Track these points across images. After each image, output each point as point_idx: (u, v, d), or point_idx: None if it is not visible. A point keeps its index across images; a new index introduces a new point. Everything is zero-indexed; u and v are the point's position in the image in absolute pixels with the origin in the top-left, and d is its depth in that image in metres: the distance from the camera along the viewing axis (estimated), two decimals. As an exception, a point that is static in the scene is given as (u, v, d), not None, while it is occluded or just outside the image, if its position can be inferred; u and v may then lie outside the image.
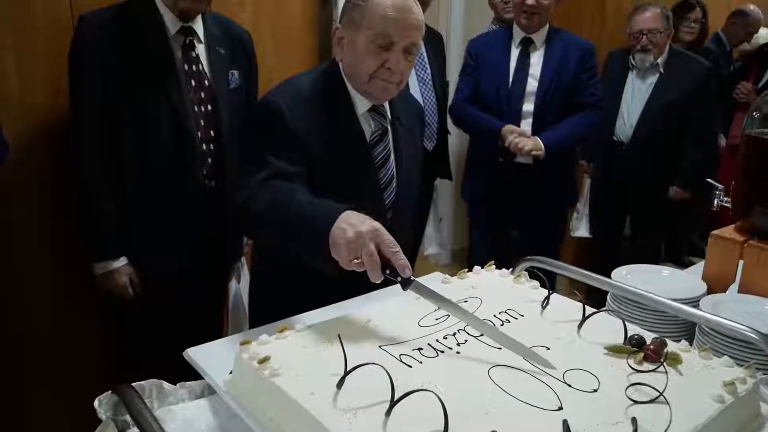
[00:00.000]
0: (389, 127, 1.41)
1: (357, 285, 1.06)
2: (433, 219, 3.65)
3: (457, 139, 3.72)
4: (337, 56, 1.36)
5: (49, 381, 1.93)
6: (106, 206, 1.72)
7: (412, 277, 1.00)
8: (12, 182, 1.74)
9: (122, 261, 1.77)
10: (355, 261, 0.98)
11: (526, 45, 2.44)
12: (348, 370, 0.79)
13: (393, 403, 0.74)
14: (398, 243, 1.37)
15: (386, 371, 0.77)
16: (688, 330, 1.21)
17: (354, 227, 0.98)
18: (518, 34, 2.45)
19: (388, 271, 0.99)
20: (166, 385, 0.94)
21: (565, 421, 0.68)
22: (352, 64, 1.32)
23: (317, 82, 1.36)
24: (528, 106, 2.40)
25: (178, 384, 0.96)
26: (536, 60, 2.41)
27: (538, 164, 2.39)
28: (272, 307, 1.20)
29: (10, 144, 1.59)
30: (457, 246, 4.03)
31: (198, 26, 1.78)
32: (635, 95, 2.94)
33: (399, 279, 0.99)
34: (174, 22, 1.72)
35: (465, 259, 3.63)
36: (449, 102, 2.96)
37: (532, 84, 2.39)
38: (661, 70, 2.91)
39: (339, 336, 0.86)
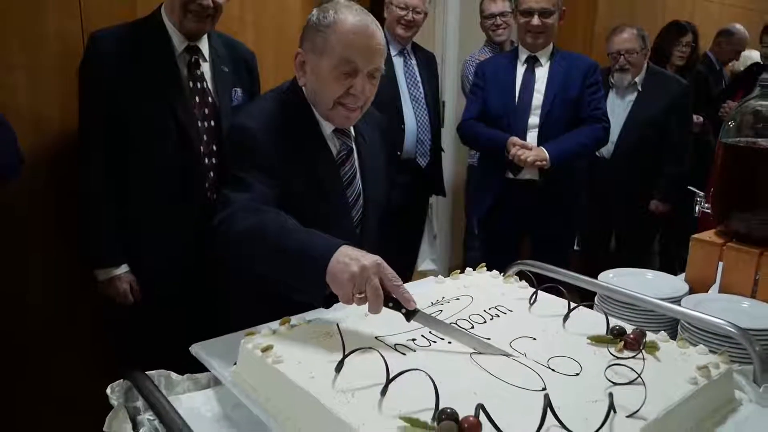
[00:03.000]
0: (354, 146, 1.43)
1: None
2: (428, 235, 3.72)
3: (454, 160, 3.82)
4: (299, 81, 1.35)
5: (46, 382, 1.98)
6: (110, 215, 1.78)
7: (417, 309, 1.00)
8: (21, 192, 1.80)
9: (124, 268, 1.82)
10: (358, 295, 0.97)
11: (532, 62, 2.52)
12: (346, 353, 0.85)
13: (388, 382, 0.79)
14: None
15: (381, 355, 0.83)
16: (671, 329, 1.27)
17: (357, 261, 0.96)
18: (523, 53, 2.54)
19: (390, 304, 0.99)
20: (173, 375, 0.99)
21: (546, 395, 0.73)
22: (316, 89, 1.32)
23: (282, 105, 1.35)
24: (534, 119, 2.46)
25: (185, 375, 1.01)
26: (541, 75, 2.49)
27: (544, 180, 2.45)
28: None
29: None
30: (453, 262, 4.09)
31: (203, 45, 1.86)
32: (615, 113, 3.04)
33: (403, 311, 1.00)
34: (180, 41, 1.80)
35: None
36: (444, 120, 3.05)
37: (537, 98, 2.47)
38: (639, 89, 3.04)
39: (338, 325, 0.92)
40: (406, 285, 1.22)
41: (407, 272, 3.06)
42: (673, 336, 1.23)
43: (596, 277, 1.41)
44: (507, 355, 0.93)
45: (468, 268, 1.30)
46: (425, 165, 2.80)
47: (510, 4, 3.09)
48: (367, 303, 0.97)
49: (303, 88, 1.36)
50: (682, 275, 1.57)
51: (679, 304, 1.24)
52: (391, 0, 2.61)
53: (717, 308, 1.22)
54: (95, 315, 2.01)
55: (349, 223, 1.40)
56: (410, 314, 1.00)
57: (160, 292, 1.85)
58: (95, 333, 2.06)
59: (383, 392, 0.79)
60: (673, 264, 3.88)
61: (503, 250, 2.61)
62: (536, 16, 2.42)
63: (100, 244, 1.81)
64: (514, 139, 2.41)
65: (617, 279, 1.40)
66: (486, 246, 2.77)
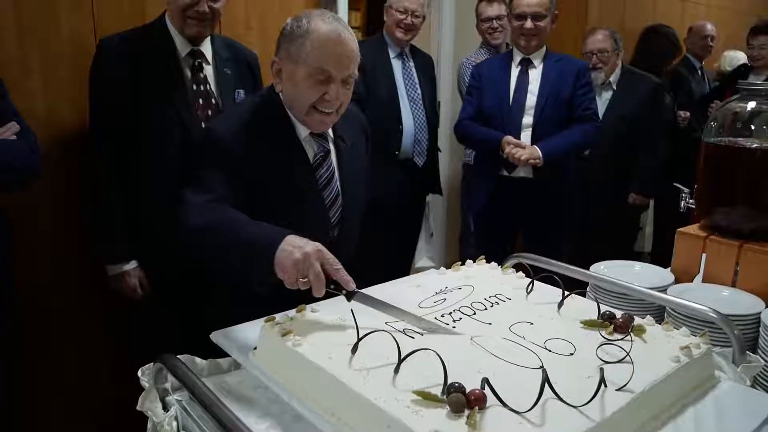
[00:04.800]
0: (332, 147, 1.47)
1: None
2: (424, 233, 3.80)
3: (449, 159, 3.90)
4: (276, 87, 1.40)
5: (58, 372, 2.05)
6: (119, 213, 1.85)
7: (356, 290, 1.10)
8: (35, 189, 1.84)
9: (133, 264, 1.90)
10: (302, 280, 1.07)
11: (526, 64, 2.60)
12: (361, 336, 0.93)
13: (400, 361, 0.87)
14: (346, 256, 1.43)
15: (393, 337, 0.91)
16: (658, 316, 1.35)
17: (300, 249, 1.07)
18: (518, 55, 2.62)
19: (332, 286, 1.09)
20: (197, 359, 1.07)
21: (543, 369, 0.81)
22: (292, 95, 1.37)
23: (258, 109, 1.40)
24: (527, 119, 2.54)
25: (208, 360, 1.09)
26: (535, 77, 2.57)
27: (538, 179, 2.53)
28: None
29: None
30: (448, 258, 4.17)
31: (206, 49, 1.93)
32: None
33: (344, 292, 1.10)
34: (184, 45, 1.87)
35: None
36: (439, 120, 3.13)
37: (531, 99, 2.55)
38: (614, 87, 3.18)
39: (352, 311, 1.00)
40: (406, 278, 1.32)
41: (405, 270, 3.13)
42: (660, 322, 1.33)
43: (586, 269, 1.49)
44: (450, 333, 1.02)
45: (468, 260, 1.37)
46: (422, 164, 2.88)
47: (506, 7, 3.17)
48: (311, 286, 1.07)
49: (280, 93, 1.41)
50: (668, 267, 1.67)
51: (666, 293, 1.33)
52: (391, 4, 2.69)
53: (700, 296, 1.30)
54: (105, 309, 2.07)
55: (325, 224, 1.44)
56: (350, 295, 1.10)
57: (166, 285, 1.92)
58: (103, 326, 2.13)
59: (396, 370, 0.87)
60: (664, 259, 3.99)
61: (498, 246, 2.69)
62: (529, 20, 2.50)
63: (109, 240, 1.88)
64: (509, 138, 2.48)
65: (608, 270, 1.48)
66: (481, 242, 2.85)
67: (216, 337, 1.12)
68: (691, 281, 1.45)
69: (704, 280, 1.43)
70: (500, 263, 1.43)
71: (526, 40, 2.55)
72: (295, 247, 1.08)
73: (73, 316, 2.06)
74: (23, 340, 1.90)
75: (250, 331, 1.11)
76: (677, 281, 1.44)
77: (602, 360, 0.94)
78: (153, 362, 0.98)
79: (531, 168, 2.50)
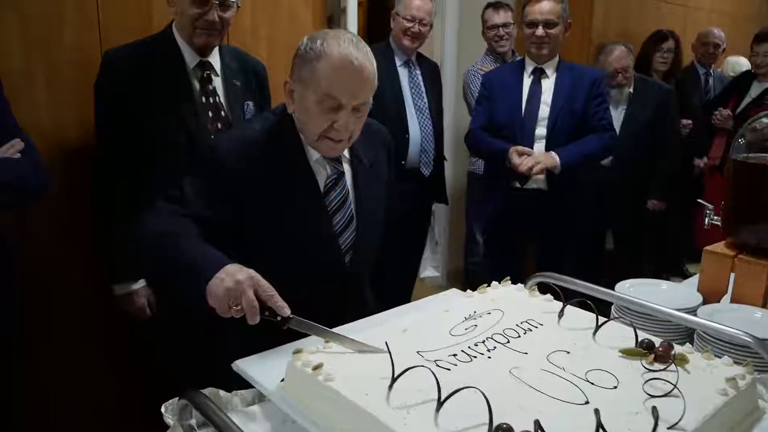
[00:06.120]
0: (348, 168, 1.40)
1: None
2: (429, 243, 3.76)
3: (453, 167, 3.87)
4: (288, 108, 1.34)
5: (68, 395, 2.00)
6: (126, 231, 1.80)
7: (291, 315, 1.10)
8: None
9: (141, 283, 1.85)
10: (235, 308, 1.07)
11: (538, 74, 2.55)
12: (398, 373, 0.89)
13: (441, 401, 0.83)
14: (360, 279, 1.45)
15: (433, 373, 0.87)
16: (686, 338, 1.32)
17: (232, 276, 1.08)
18: (530, 64, 2.57)
19: (266, 313, 1.09)
20: (222, 393, 1.02)
21: (596, 410, 0.78)
22: (302, 120, 1.32)
23: (268, 129, 1.34)
24: (540, 130, 2.50)
25: (232, 392, 1.04)
26: (548, 87, 2.52)
27: (551, 190, 2.49)
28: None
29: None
30: (452, 267, 4.14)
31: (215, 60, 1.89)
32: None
33: (278, 318, 1.09)
34: (192, 56, 1.83)
35: (462, 280, 3.74)
36: (445, 128, 3.10)
37: (544, 109, 2.50)
38: (630, 97, 3.21)
39: (386, 343, 0.96)
40: (431, 300, 1.28)
41: (411, 281, 3.10)
42: (688, 342, 1.29)
43: (595, 277, 1.45)
44: (389, 353, 0.95)
45: (494, 282, 1.34)
46: (428, 174, 2.84)
47: (512, 14, 3.15)
48: (245, 314, 1.07)
49: (293, 114, 1.35)
50: (689, 281, 1.64)
51: (695, 314, 1.30)
52: (398, 12, 2.65)
53: (730, 318, 1.27)
54: (105, 317, 2.02)
55: (335, 249, 1.37)
56: (285, 321, 1.10)
57: (175, 303, 1.87)
58: (105, 333, 2.08)
59: (437, 409, 0.83)
60: (675, 267, 4.02)
61: (507, 258, 2.65)
62: (540, 27, 2.46)
63: (116, 259, 1.83)
64: (516, 147, 2.43)
65: (633, 289, 1.45)
66: (490, 253, 2.81)
67: (239, 366, 1.08)
68: (719, 301, 1.42)
69: (733, 301, 1.41)
70: (513, 276, 1.39)
71: (537, 48, 2.50)
72: (228, 274, 1.08)
73: (74, 323, 2.01)
74: (23, 346, 1.85)
75: (274, 359, 1.07)
76: (705, 302, 1.41)
77: (648, 394, 0.90)
78: (178, 398, 0.94)
79: (544, 179, 2.46)
